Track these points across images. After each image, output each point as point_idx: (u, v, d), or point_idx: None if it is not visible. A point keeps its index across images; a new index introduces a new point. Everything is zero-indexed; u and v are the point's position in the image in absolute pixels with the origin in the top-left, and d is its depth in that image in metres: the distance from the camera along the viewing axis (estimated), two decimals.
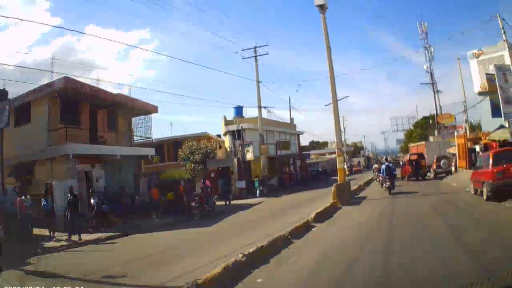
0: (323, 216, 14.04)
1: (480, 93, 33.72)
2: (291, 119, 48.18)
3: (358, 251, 8.28)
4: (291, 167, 44.26)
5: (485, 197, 13.87)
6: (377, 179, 28.28)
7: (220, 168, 33.53)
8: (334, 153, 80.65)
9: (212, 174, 32.21)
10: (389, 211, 14.77)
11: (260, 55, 35.49)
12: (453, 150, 32.83)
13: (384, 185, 21.75)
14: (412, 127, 73.64)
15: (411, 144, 43.15)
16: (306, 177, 44.54)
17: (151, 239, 15.35)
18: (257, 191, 31.21)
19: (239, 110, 39.67)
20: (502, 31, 19.84)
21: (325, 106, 29.10)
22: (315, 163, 63.92)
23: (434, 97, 49.93)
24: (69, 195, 15.45)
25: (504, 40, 19.91)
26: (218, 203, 24.17)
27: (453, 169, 30.51)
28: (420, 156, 31.45)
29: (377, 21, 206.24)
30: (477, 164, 16.72)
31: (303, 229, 11.55)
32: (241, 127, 35.53)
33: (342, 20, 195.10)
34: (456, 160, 31.47)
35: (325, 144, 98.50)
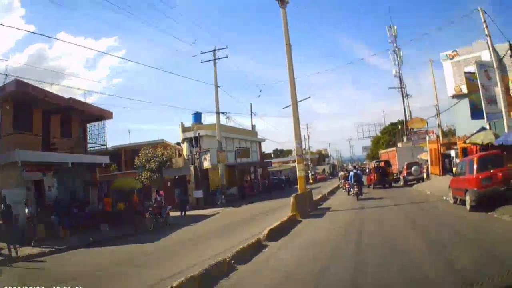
0: (279, 232, 11.66)
1: (454, 96, 32.28)
2: (253, 126, 46.52)
3: (317, 280, 6.56)
4: (252, 175, 41.96)
5: (468, 207, 12.22)
6: (343, 187, 27.20)
7: (176, 177, 31.98)
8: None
9: (169, 183, 31.03)
10: (357, 226, 12.22)
11: (219, 58, 33.62)
12: (425, 156, 30.99)
13: (352, 191, 21.82)
14: (379, 134, 72.55)
15: (382, 151, 41.36)
16: (268, 185, 42.02)
17: (88, 256, 13.71)
18: (219, 201, 30.13)
19: (197, 116, 37.26)
20: (484, 25, 17.78)
21: (284, 108, 26.70)
22: (278, 171, 61.48)
23: (403, 101, 49.09)
24: (1, 205, 14.20)
25: (486, 35, 17.84)
26: (174, 214, 23.19)
27: (425, 175, 28.65)
28: (386, 163, 30.04)
29: (343, 27, 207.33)
30: (457, 170, 14.56)
31: (252, 250, 9.40)
32: (198, 134, 33.61)
33: (304, 25, 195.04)
34: (428, 167, 29.61)
35: (289, 152, 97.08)
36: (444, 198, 16.33)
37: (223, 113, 34.03)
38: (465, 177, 12.99)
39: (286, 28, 19.09)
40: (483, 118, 19.64)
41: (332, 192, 29.31)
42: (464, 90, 31.36)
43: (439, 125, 31.91)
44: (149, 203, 21.66)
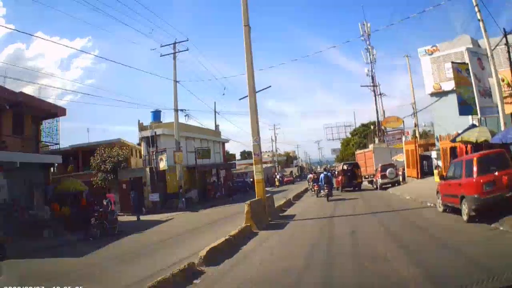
0: (223, 251, 8.78)
1: (433, 94, 30.42)
2: (216, 126, 43.65)
3: None
4: (213, 177, 38.67)
5: (465, 217, 9.87)
6: (312, 189, 26.20)
7: (131, 179, 29.61)
8: (266, 162, 78.55)
9: (124, 186, 29.02)
10: (325, 246, 9.12)
11: (179, 51, 30.60)
12: (401, 157, 28.73)
13: (323, 192, 22.05)
14: (349, 135, 71.03)
15: (358, 151, 38.81)
16: (232, 188, 38.77)
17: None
18: (182, 204, 27.93)
19: (157, 115, 34.35)
20: (476, 8, 15.28)
21: (240, 99, 23.79)
22: (244, 174, 58.17)
23: (376, 100, 47.32)
24: None
25: (479, 20, 15.35)
26: (129, 218, 22.50)
27: (400, 178, 26.26)
28: (355, 165, 28.52)
29: (312, 28, 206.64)
30: (449, 173, 11.88)
31: (179, 280, 6.67)
32: (155, 132, 30.68)
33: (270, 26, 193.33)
34: (404, 169, 27.33)
35: None
36: (430, 204, 13.95)
37: (182, 110, 30.75)
38: (461, 181, 10.45)
39: (245, 7, 16.41)
40: (472, 114, 17.27)
41: (299, 196, 26.73)
42: (445, 87, 29.63)
43: (416, 125, 29.67)
44: (97, 207, 19.71)
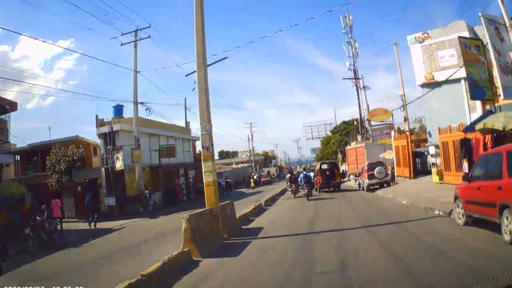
0: None
1: (424, 85, 27.52)
2: (187, 123, 39.87)
3: None
4: (181, 178, 34.39)
5: (508, 237, 6.45)
6: (290, 189, 24.52)
7: (87, 180, 26.65)
8: (243, 162, 74.86)
9: (79, 188, 25.99)
10: None
11: (140, 39, 27.05)
12: (389, 154, 25.37)
13: (302, 192, 21.94)
14: (329, 134, 68.50)
15: (349, 147, 35.02)
16: (203, 190, 34.98)
17: None
18: (150, 207, 25.23)
19: (118, 109, 30.30)
20: None
21: (187, 76, 19.99)
22: (218, 174, 54.01)
23: (358, 95, 44.84)
24: None
25: None
26: (83, 226, 20.92)
27: (389, 178, 22.85)
28: (333, 164, 27.01)
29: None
30: (476, 171, 8.30)
31: None
32: (112, 128, 27.07)
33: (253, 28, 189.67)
34: (393, 168, 23.99)
35: (235, 153, 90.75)
36: (438, 213, 10.60)
37: (142, 103, 26.80)
38: (501, 182, 6.90)
39: None
40: (486, 98, 13.91)
41: (274, 199, 23.41)
42: (439, 77, 26.75)
43: (406, 119, 26.33)
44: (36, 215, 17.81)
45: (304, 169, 28.98)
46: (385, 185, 22.02)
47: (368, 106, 33.52)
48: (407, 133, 22.97)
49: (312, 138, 71.18)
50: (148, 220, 21.58)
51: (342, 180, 39.49)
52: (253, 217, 14.57)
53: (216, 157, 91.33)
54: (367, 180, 22.05)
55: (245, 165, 67.92)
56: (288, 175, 29.92)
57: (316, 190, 24.77)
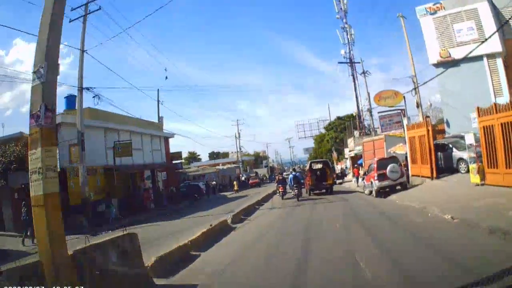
0: None
1: (439, 64, 22.96)
2: (160, 118, 34.63)
3: None
4: (148, 182, 28.23)
5: None
6: (278, 191, 23.22)
7: (23, 186, 20.11)
8: (230, 162, 69.19)
9: (16, 195, 20.35)
10: None
11: (90, 12, 21.51)
12: (401, 148, 20.34)
13: (292, 193, 21.58)
14: (323, 131, 64.29)
15: (365, 139, 29.40)
16: (176, 195, 29.68)
17: None
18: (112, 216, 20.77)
19: (71, 100, 24.76)
20: None
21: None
22: (200, 176, 48.33)
23: (355, 84, 41.23)
24: None
25: None
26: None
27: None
28: (325, 163, 24.40)
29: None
30: None
31: None
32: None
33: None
34: (406, 165, 18.98)
35: (226, 155, 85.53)
36: None
37: (87, 88, 21.00)
38: None
39: None
40: None
41: (252, 209, 18.27)
42: (456, 54, 22.25)
43: (418, 104, 21.34)
44: None
45: (294, 170, 28.06)
46: (397, 187, 16.90)
47: (369, 94, 28.52)
48: (427, 118, 17.64)
49: (305, 137, 67.42)
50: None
51: (343, 179, 34.95)
52: (199, 251, 8.84)
53: (206, 158, 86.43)
54: (376, 182, 16.68)
55: (232, 165, 62.47)
56: (277, 177, 28.30)
57: (306, 192, 22.80)
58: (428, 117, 18.82)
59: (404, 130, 19.34)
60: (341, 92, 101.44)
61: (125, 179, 24.73)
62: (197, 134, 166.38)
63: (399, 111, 21.59)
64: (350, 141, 44.94)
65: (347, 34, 44.58)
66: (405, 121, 19.61)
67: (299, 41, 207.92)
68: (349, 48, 43.60)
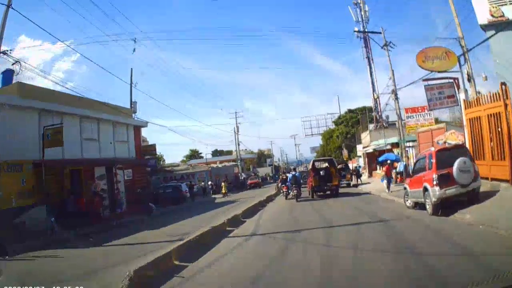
0: None
1: (489, 26, 17.04)
2: (132, 103, 29.09)
3: None
4: (101, 182, 20.92)
5: None
6: (282, 191, 23.52)
7: None
8: (227, 161, 62.82)
9: None
10: None
11: None
12: (452, 136, 13.90)
13: (291, 193, 21.40)
14: (332, 126, 59.17)
15: (421, 129, 22.42)
16: (144, 200, 22.39)
17: None
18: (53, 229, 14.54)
19: (8, 76, 19.38)
20: None
21: None
22: (189, 175, 41.55)
23: (370, 63, 38.38)
24: None
25: None
26: None
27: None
28: (330, 162, 22.50)
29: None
30: None
31: None
32: None
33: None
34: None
35: (229, 153, 79.80)
36: None
37: (4, 52, 15.11)
38: None
39: None
40: None
41: (240, 219, 13.34)
42: (510, 13, 16.56)
43: (470, 77, 15.04)
44: None
45: (294, 170, 27.55)
46: (468, 197, 10.32)
47: (393, 72, 22.04)
48: (504, 86, 10.83)
49: (312, 134, 61.73)
50: None
51: (359, 180, 29.20)
52: None
53: (209, 156, 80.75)
54: (436, 188, 10.09)
55: (230, 163, 55.87)
56: (281, 176, 28.51)
57: (309, 194, 22.08)
58: (506, 88, 11.69)
59: (460, 108, 12.98)
60: (351, 89, 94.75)
61: (55, 179, 17.94)
62: (202, 133, 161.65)
63: (450, 80, 15.10)
64: (365, 136, 38.92)
65: (360, 11, 39.39)
66: (461, 96, 13.25)
67: (308, 40, 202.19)
68: (363, 26, 38.12)
